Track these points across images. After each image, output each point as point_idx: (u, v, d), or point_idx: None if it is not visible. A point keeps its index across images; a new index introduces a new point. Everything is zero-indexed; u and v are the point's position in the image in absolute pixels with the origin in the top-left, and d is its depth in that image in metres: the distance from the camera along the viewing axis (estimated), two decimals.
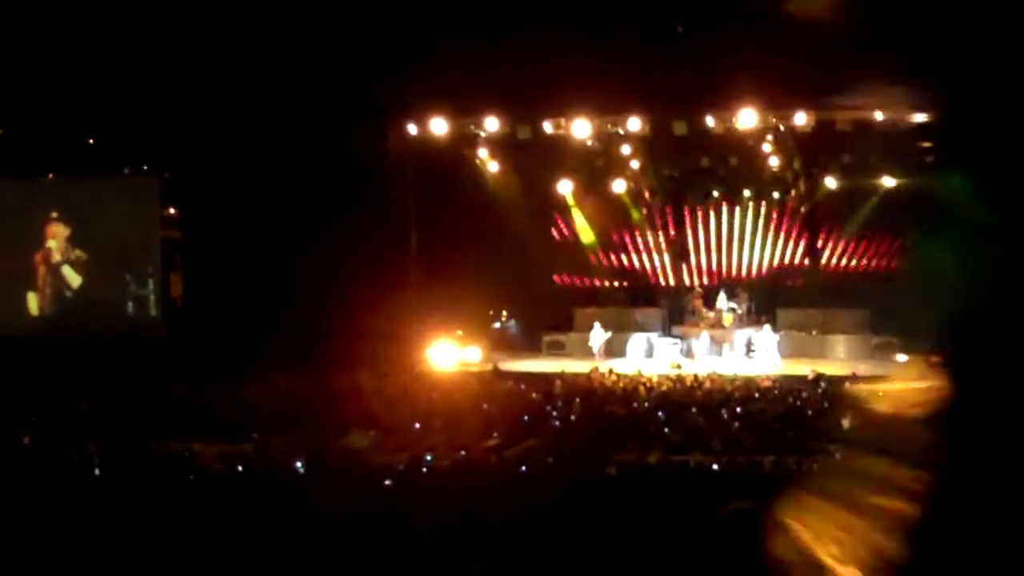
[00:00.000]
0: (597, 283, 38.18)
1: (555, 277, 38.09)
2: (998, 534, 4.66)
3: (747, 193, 36.31)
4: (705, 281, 36.71)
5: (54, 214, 34.88)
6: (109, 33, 31.31)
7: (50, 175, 35.81)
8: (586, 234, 37.52)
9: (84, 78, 32.18)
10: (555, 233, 37.99)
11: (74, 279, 34.94)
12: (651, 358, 33.95)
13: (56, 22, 31.24)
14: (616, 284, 38.08)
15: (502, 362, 33.22)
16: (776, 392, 27.36)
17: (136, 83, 32.08)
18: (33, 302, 35.23)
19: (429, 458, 19.36)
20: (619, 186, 36.00)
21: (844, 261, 36.11)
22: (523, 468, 18.71)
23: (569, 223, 37.57)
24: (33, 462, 19.20)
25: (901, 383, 5.27)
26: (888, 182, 33.92)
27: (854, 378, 28.21)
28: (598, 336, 34.22)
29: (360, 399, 26.74)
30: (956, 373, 4.81)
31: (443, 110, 33.02)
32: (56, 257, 34.94)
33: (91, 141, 35.33)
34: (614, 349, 34.27)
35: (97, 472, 18.25)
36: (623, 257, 37.82)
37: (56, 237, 34.89)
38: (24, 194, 35.45)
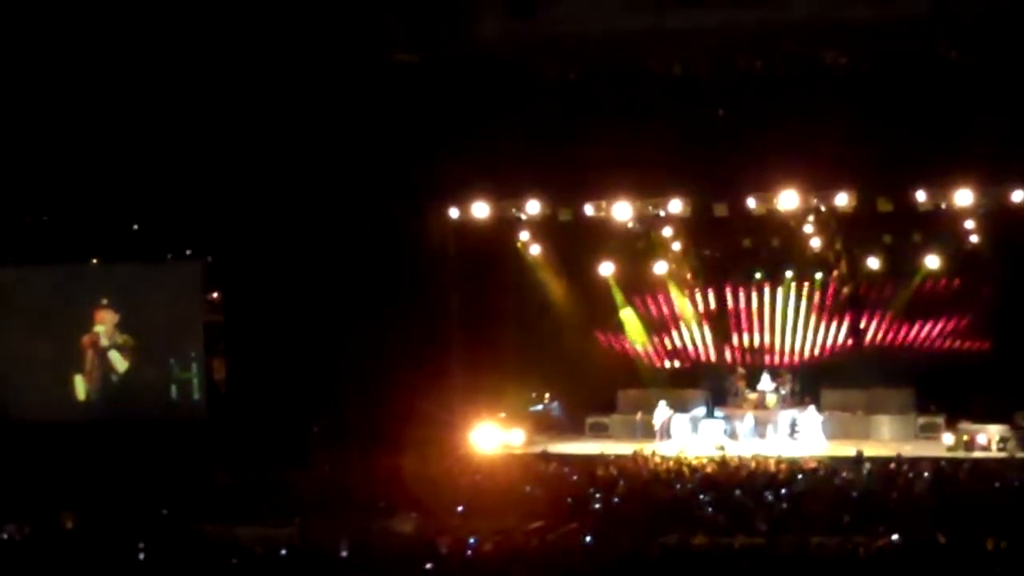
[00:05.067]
0: (641, 355, 37.86)
1: (599, 335, 37.74)
2: None
3: (789, 274, 36.18)
4: (748, 360, 36.56)
5: (104, 300, 35.00)
6: (154, 120, 31.67)
7: (94, 260, 36.01)
8: (628, 316, 37.38)
9: (128, 165, 32.50)
10: (599, 334, 37.72)
11: (120, 364, 35.04)
12: (695, 437, 33.78)
13: (101, 109, 31.60)
14: (659, 364, 37.88)
15: (545, 444, 33.15)
16: (821, 473, 27.23)
17: (178, 170, 32.36)
18: (81, 387, 35.31)
19: (472, 541, 19.34)
20: (661, 268, 35.93)
21: (888, 340, 35.90)
22: (566, 551, 18.67)
23: (611, 306, 37.41)
24: (78, 546, 19.29)
25: None
26: (931, 263, 33.82)
27: (899, 459, 28.20)
28: (662, 414, 34.11)
29: (403, 482, 26.74)
30: None
31: (484, 193, 33.12)
32: (104, 342, 35.06)
33: (135, 227, 35.57)
34: (655, 429, 34.13)
35: (141, 556, 18.31)
36: (665, 338, 37.69)
37: (105, 323, 34.98)
38: (72, 280, 35.60)
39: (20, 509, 22.99)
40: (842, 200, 31.81)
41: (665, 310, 37.36)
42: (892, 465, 27.64)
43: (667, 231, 34.53)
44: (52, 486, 25.69)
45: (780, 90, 30.58)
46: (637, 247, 35.56)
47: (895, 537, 19.09)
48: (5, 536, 21.01)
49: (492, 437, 34.15)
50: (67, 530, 21.77)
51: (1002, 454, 30.24)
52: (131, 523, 21.46)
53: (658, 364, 37.73)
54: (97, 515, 22.66)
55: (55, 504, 23.32)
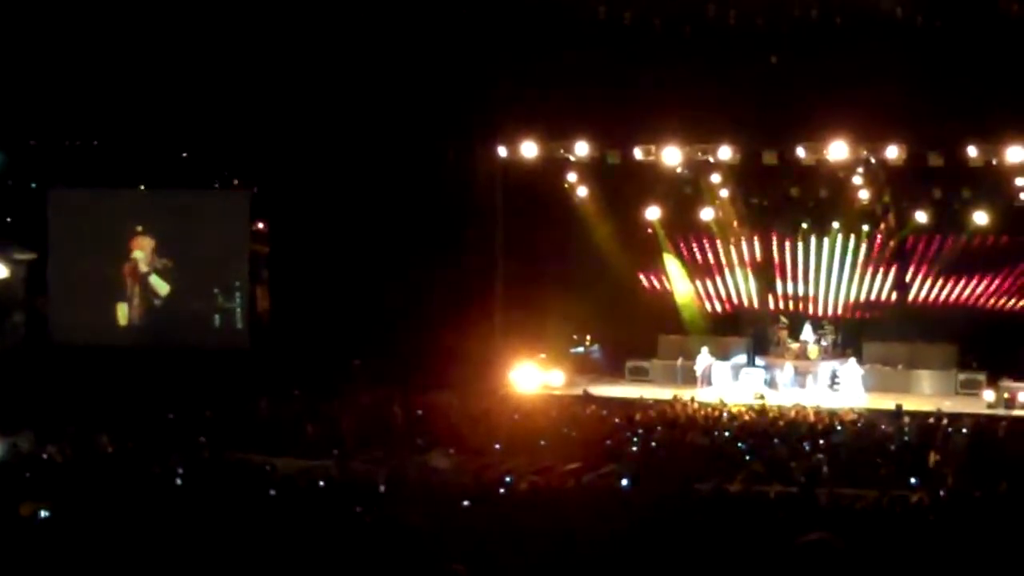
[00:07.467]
0: (683, 301, 37.63)
1: (642, 280, 37.53)
2: None
3: (836, 225, 35.96)
4: (791, 310, 36.38)
5: (139, 228, 35.05)
6: (204, 51, 31.63)
7: (142, 187, 36.09)
8: (672, 262, 37.23)
9: (179, 93, 32.50)
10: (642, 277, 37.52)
11: (162, 287, 35.14)
12: (735, 385, 33.74)
13: (150, 40, 31.60)
14: (700, 306, 37.68)
15: (584, 387, 33.12)
16: (859, 426, 27.17)
17: (229, 99, 32.35)
18: (122, 312, 35.46)
19: (508, 479, 19.37)
20: (707, 214, 35.77)
21: (933, 295, 35.69)
22: (602, 493, 18.68)
23: (656, 250, 37.24)
24: (116, 471, 19.39)
25: None
26: (980, 219, 33.56)
27: (938, 414, 28.07)
28: (703, 361, 34.08)
29: (442, 419, 26.82)
30: None
31: (534, 133, 33.05)
32: (143, 268, 35.15)
33: (184, 154, 35.62)
34: (696, 375, 34.09)
35: (179, 482, 18.41)
36: (709, 284, 37.54)
37: (142, 248, 35.08)
38: (112, 206, 35.70)
39: (62, 431, 23.14)
40: (892, 153, 31.63)
41: (710, 256, 37.21)
42: (931, 420, 27.55)
43: (715, 177, 34.38)
44: (94, 410, 25.79)
45: (834, 39, 30.31)
46: (684, 192, 35.46)
47: (931, 491, 19.05)
48: (46, 457, 21.16)
49: (532, 377, 34.23)
50: (107, 453, 21.92)
51: None
52: (170, 449, 21.58)
53: (698, 305, 37.52)
54: (137, 440, 22.81)
55: (96, 427, 23.47)
